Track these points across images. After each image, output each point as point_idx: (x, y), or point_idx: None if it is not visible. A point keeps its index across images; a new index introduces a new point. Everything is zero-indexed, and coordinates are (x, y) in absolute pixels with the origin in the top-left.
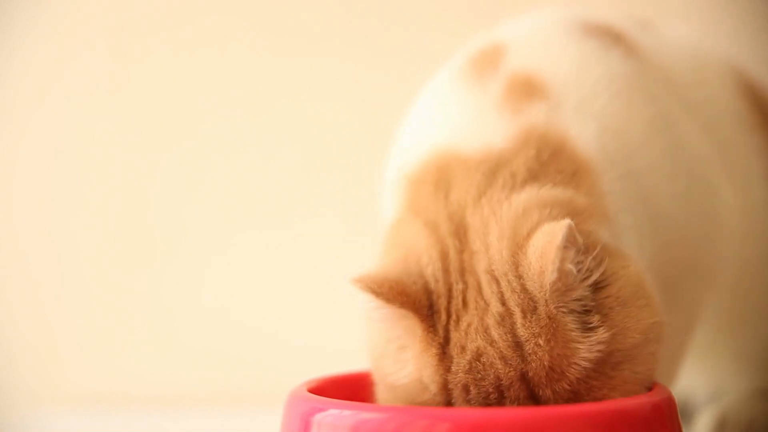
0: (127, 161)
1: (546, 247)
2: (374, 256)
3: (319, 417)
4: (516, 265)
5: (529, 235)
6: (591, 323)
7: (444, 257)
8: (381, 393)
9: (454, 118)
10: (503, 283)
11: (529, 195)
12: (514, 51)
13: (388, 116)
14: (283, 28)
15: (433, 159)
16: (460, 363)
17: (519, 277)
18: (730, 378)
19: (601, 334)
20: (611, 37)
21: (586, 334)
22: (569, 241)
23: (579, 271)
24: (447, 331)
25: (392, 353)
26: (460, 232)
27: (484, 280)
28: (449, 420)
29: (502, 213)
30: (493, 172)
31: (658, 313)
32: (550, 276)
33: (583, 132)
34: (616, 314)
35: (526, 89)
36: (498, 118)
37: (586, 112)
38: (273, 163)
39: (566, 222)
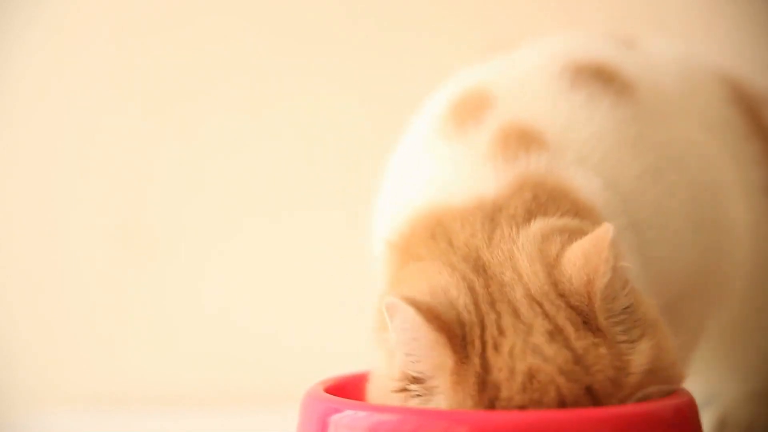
0: (127, 161)
1: (590, 252)
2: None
3: (335, 417)
4: (554, 284)
5: (558, 256)
6: (634, 337)
7: (472, 290)
8: None
9: (436, 174)
10: (546, 303)
11: (541, 224)
12: (501, 101)
13: (388, 116)
14: (283, 26)
15: (419, 218)
16: (512, 387)
17: (561, 295)
18: (729, 380)
19: (646, 343)
20: (602, 81)
21: (635, 346)
22: (616, 242)
23: (621, 277)
24: (485, 359)
25: (417, 396)
26: (479, 269)
27: (523, 305)
28: (467, 422)
29: (523, 242)
30: (492, 217)
31: (673, 349)
32: (602, 278)
33: (587, 184)
34: (653, 330)
35: (523, 140)
36: (488, 168)
37: (586, 166)
38: (273, 163)
39: (609, 225)
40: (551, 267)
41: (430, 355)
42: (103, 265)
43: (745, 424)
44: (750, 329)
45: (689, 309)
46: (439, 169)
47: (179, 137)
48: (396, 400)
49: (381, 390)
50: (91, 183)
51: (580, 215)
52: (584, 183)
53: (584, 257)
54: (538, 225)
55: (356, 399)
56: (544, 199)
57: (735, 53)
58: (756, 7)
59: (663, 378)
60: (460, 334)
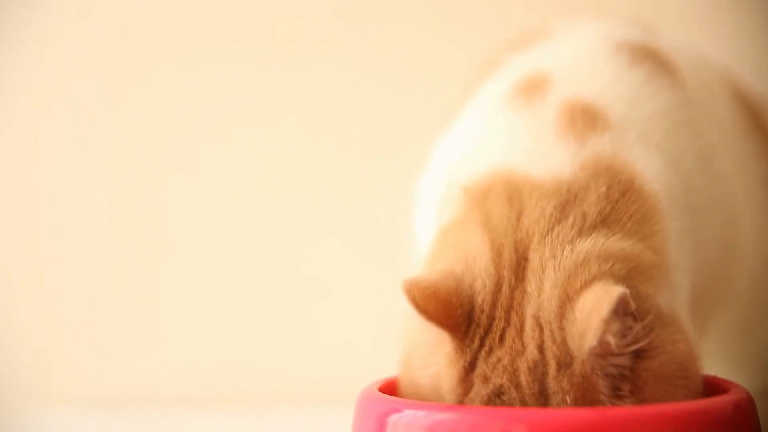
0: (129, 161)
1: (593, 311)
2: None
3: (394, 417)
4: (562, 317)
5: (581, 289)
6: (621, 391)
7: (497, 290)
8: (404, 379)
9: (509, 139)
10: (546, 332)
11: (593, 244)
12: (562, 79)
13: (389, 118)
14: (283, 30)
15: (497, 175)
16: (479, 392)
17: (561, 329)
18: (732, 377)
19: (627, 405)
20: (657, 62)
21: (616, 401)
22: (619, 310)
23: (624, 337)
24: (475, 358)
25: (423, 348)
26: (520, 266)
27: (529, 324)
28: (525, 421)
29: (562, 259)
30: (564, 206)
31: (695, 394)
32: (590, 341)
33: (649, 166)
34: (650, 389)
35: (588, 118)
36: (561, 145)
37: (648, 144)
38: (274, 164)
39: (620, 290)
40: (567, 299)
41: (437, 332)
42: (103, 265)
43: None
44: (752, 328)
45: (700, 306)
46: (513, 135)
47: (181, 137)
48: (417, 332)
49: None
50: (91, 182)
51: (646, 221)
52: (647, 167)
53: (590, 307)
54: (589, 244)
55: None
56: (617, 195)
57: (735, 53)
58: (756, 7)
59: None
60: (464, 330)
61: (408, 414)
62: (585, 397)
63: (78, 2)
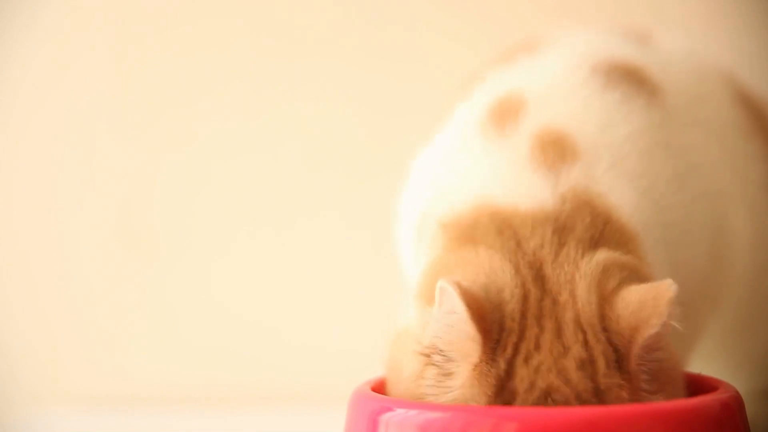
0: (129, 160)
1: (646, 301)
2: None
3: (386, 416)
4: (602, 317)
5: (614, 292)
6: (653, 389)
7: (525, 299)
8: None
9: (486, 169)
10: (590, 334)
11: (606, 256)
12: (534, 105)
13: (390, 119)
14: (285, 30)
15: (481, 210)
16: (527, 399)
17: (604, 329)
18: (728, 378)
19: (659, 398)
20: (634, 82)
21: (651, 398)
22: (676, 301)
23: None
24: (512, 365)
25: (431, 375)
26: (539, 281)
27: (569, 327)
28: (517, 419)
29: (585, 269)
30: (561, 233)
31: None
32: (650, 330)
33: (621, 197)
34: (668, 384)
35: (558, 149)
36: (537, 177)
37: (618, 172)
38: (276, 162)
39: (670, 281)
40: (604, 300)
41: (462, 344)
42: (104, 264)
43: None
44: (750, 328)
45: (690, 311)
46: (488, 165)
47: (182, 136)
48: (413, 361)
49: (403, 347)
50: (92, 181)
51: (629, 244)
52: (621, 201)
53: (639, 303)
54: (602, 256)
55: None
56: (601, 226)
57: (735, 53)
58: (756, 7)
59: None
60: (496, 337)
61: (400, 413)
62: (634, 393)
63: (80, 3)
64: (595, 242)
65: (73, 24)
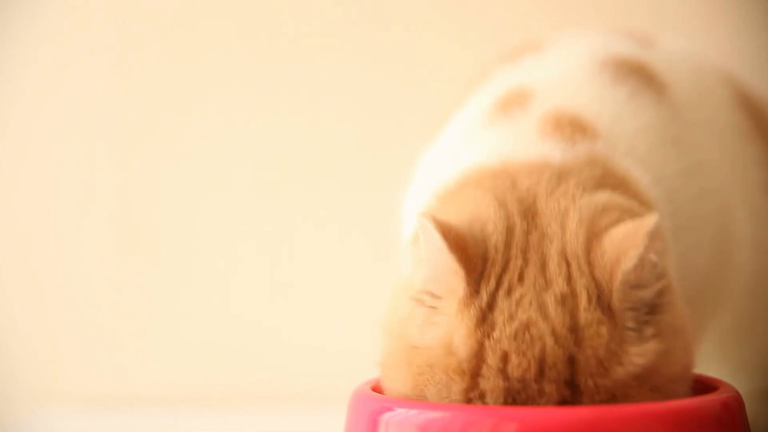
0: (129, 161)
1: (630, 236)
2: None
3: (387, 416)
4: (589, 251)
5: (606, 228)
6: (645, 334)
7: (509, 232)
8: (394, 355)
9: (485, 146)
10: (573, 266)
11: (608, 197)
12: (544, 94)
13: (391, 122)
14: (286, 33)
15: (476, 169)
16: (505, 330)
17: (589, 263)
18: (729, 379)
19: (654, 345)
20: (643, 78)
21: (640, 341)
22: (657, 235)
23: (652, 270)
24: (494, 298)
25: (420, 315)
26: (529, 214)
27: (553, 260)
28: (517, 419)
29: (582, 203)
30: (560, 176)
31: (692, 357)
32: (629, 262)
33: (642, 178)
34: (668, 339)
35: (577, 125)
36: (546, 142)
37: (636, 158)
38: (276, 163)
39: (655, 215)
40: (594, 236)
41: (447, 279)
42: (104, 264)
43: None
44: (751, 329)
45: (693, 310)
46: (491, 143)
47: (183, 137)
48: (406, 306)
49: (400, 294)
50: (92, 182)
51: (644, 206)
52: (640, 176)
53: (622, 237)
54: (605, 196)
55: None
56: (612, 181)
57: (735, 53)
58: (756, 7)
59: (660, 390)
60: (479, 269)
61: (400, 412)
62: (614, 332)
63: (81, 3)
64: (597, 188)
65: (74, 25)
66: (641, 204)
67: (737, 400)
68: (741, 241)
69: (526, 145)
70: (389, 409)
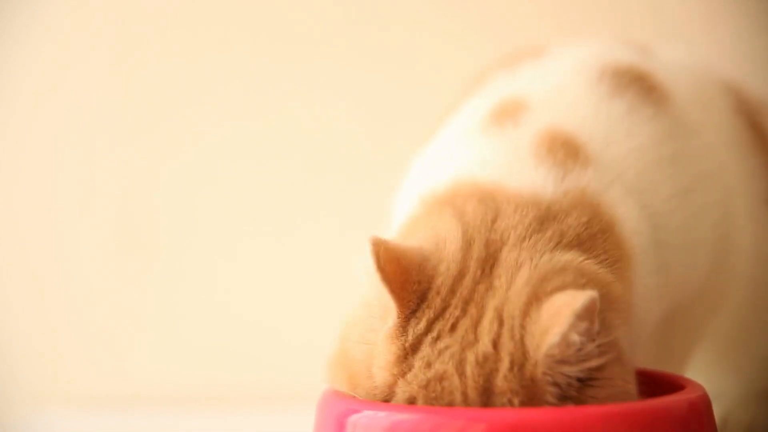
0: (129, 161)
1: (561, 310)
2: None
3: (354, 418)
4: (526, 314)
5: (552, 292)
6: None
7: (459, 278)
8: (337, 353)
9: (478, 155)
10: (506, 327)
11: (572, 258)
12: (539, 107)
13: (391, 122)
14: (287, 33)
15: (463, 181)
16: (419, 376)
17: (522, 327)
18: (731, 381)
19: None
20: (643, 89)
21: None
22: (587, 314)
23: (580, 349)
24: (419, 341)
25: (363, 325)
26: (488, 263)
27: (488, 317)
28: (484, 420)
29: (540, 262)
30: (543, 221)
31: None
32: (552, 338)
33: (626, 211)
34: None
35: (569, 149)
36: (540, 167)
37: (625, 185)
38: (276, 163)
39: (591, 293)
40: (536, 299)
41: (385, 304)
42: (104, 265)
43: (746, 424)
44: (751, 330)
45: (691, 315)
46: (484, 153)
47: (184, 137)
48: (360, 311)
49: (363, 295)
50: (92, 182)
51: (621, 261)
52: (626, 216)
53: (556, 308)
54: (569, 257)
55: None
56: (596, 230)
57: (735, 54)
58: (756, 8)
59: None
60: (412, 307)
61: (367, 414)
62: (531, 403)
63: (82, 4)
64: (580, 242)
65: (74, 25)
66: (616, 259)
67: (704, 399)
68: (742, 249)
69: (520, 167)
70: (356, 411)
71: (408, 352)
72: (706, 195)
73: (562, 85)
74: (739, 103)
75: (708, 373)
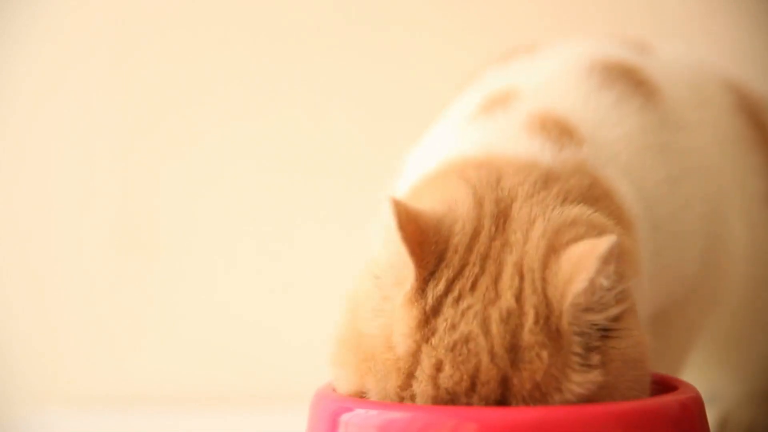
0: (129, 161)
1: (584, 257)
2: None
3: (346, 417)
4: (545, 266)
5: (568, 243)
6: (591, 362)
7: (475, 235)
8: (342, 338)
9: (469, 140)
10: (527, 281)
11: (582, 211)
12: (529, 95)
13: (391, 123)
14: (287, 33)
15: (466, 158)
16: (444, 339)
17: (544, 279)
18: (730, 380)
19: (596, 377)
20: (631, 82)
21: (586, 369)
22: (611, 257)
23: (603, 297)
24: (440, 302)
25: (373, 299)
26: (500, 219)
27: (508, 272)
28: (477, 420)
29: (552, 215)
30: (547, 180)
31: (645, 390)
32: (579, 285)
33: (624, 189)
34: (616, 368)
35: (562, 128)
36: (535, 140)
37: (619, 166)
38: (276, 163)
39: (612, 237)
40: (553, 250)
41: (400, 269)
42: (104, 264)
43: (745, 424)
44: (750, 330)
45: (685, 314)
46: (475, 137)
47: (184, 137)
48: (368, 285)
49: (367, 270)
50: (92, 182)
51: (623, 222)
52: (621, 186)
53: (578, 257)
54: (578, 210)
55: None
56: (598, 194)
57: (735, 53)
58: (756, 7)
59: None
60: (431, 268)
61: (359, 413)
62: (557, 356)
63: (81, 4)
64: (582, 201)
65: (74, 24)
66: (619, 220)
67: (696, 400)
68: (733, 248)
69: (514, 139)
70: (349, 409)
71: (429, 315)
72: (695, 188)
73: (553, 77)
74: (741, 101)
75: (708, 373)
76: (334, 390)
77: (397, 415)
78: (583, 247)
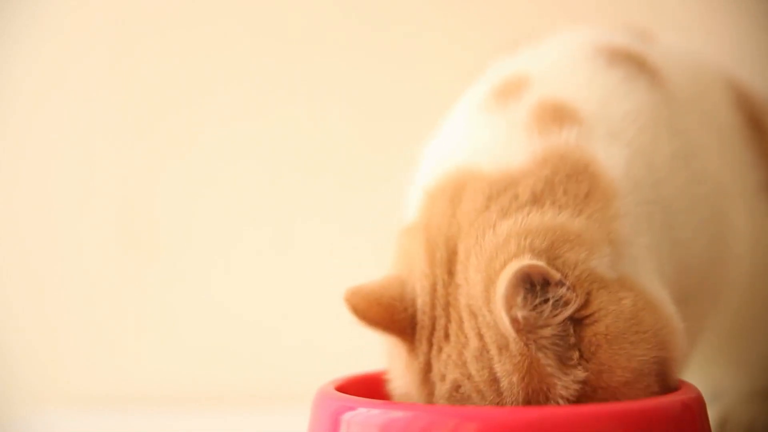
0: (129, 161)
1: (500, 292)
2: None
3: (348, 416)
4: (488, 300)
5: (500, 270)
6: (571, 360)
7: (432, 290)
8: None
9: (479, 139)
10: (480, 318)
11: (513, 222)
12: (538, 81)
13: (390, 122)
14: (287, 33)
15: (452, 175)
16: (441, 390)
17: (491, 312)
18: (730, 379)
19: (579, 373)
20: (635, 65)
21: (566, 371)
22: (516, 291)
23: (553, 304)
24: (429, 359)
25: (395, 360)
26: (451, 261)
27: (465, 314)
28: (477, 419)
29: (484, 242)
30: (499, 194)
31: (657, 345)
32: (505, 320)
33: (612, 156)
34: (603, 352)
35: (557, 114)
36: (523, 139)
37: (617, 140)
38: (276, 163)
39: (517, 265)
40: (490, 281)
41: (390, 343)
42: (104, 264)
43: (746, 423)
44: (751, 329)
45: (686, 313)
46: (483, 135)
47: (184, 136)
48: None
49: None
50: (92, 182)
51: (589, 196)
52: (608, 156)
53: (499, 290)
54: (510, 223)
55: (367, 398)
56: (559, 178)
57: (735, 53)
58: (756, 7)
59: (609, 396)
60: (411, 333)
61: (361, 412)
62: (531, 373)
63: (81, 5)
64: (536, 198)
65: (73, 24)
66: (587, 196)
67: (698, 400)
68: (738, 231)
69: (507, 142)
70: (351, 408)
71: (426, 373)
72: (701, 163)
73: (561, 60)
74: (739, 95)
75: (708, 372)
76: (336, 389)
77: (398, 414)
78: (501, 280)
